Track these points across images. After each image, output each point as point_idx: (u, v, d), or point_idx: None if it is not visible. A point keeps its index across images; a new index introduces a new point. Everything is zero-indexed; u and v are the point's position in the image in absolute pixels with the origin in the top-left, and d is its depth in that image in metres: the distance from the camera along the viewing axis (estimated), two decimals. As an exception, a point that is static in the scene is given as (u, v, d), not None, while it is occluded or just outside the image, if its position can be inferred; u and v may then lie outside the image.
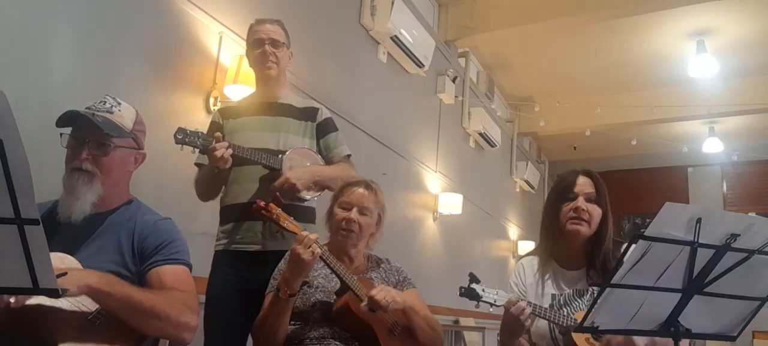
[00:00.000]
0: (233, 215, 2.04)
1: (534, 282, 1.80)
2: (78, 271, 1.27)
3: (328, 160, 2.16)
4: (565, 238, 1.75)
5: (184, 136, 1.86)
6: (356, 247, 1.84)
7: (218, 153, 1.85)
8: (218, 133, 1.92)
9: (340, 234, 1.80)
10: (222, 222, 2.10)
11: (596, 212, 1.72)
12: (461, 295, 1.65)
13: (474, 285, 1.64)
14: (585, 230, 1.72)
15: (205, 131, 1.97)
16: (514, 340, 1.68)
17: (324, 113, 2.21)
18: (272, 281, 1.78)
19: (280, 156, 2.01)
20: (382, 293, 1.64)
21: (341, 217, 1.79)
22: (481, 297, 1.63)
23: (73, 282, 1.18)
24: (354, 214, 1.79)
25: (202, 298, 1.97)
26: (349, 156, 2.20)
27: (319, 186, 2.05)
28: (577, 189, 1.73)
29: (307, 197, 2.03)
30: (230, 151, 1.89)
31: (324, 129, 2.18)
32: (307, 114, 2.17)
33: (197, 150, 1.92)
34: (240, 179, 2.04)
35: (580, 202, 1.71)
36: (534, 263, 1.84)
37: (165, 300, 1.32)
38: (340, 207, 1.82)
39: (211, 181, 2.07)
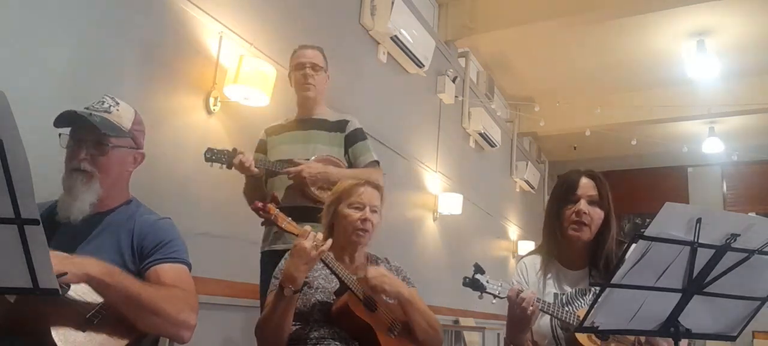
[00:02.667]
0: None
1: (536, 281, 1.80)
2: (79, 258, 1.26)
3: (355, 168, 2.31)
4: (567, 240, 1.75)
5: (211, 155, 2.16)
6: (364, 246, 1.86)
7: (236, 162, 2.14)
8: (236, 148, 2.20)
9: (355, 234, 1.81)
10: (266, 225, 2.26)
11: (598, 214, 1.72)
12: (465, 285, 1.63)
13: (478, 276, 1.63)
14: (586, 235, 1.72)
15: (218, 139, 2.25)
16: (521, 335, 1.65)
17: (353, 124, 2.39)
18: (274, 280, 1.78)
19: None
20: (374, 271, 1.69)
21: (356, 217, 1.80)
22: (485, 288, 1.61)
23: (73, 270, 1.18)
24: (368, 213, 1.81)
25: (202, 298, 1.97)
26: (375, 162, 2.35)
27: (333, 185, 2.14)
28: (579, 192, 1.73)
29: (321, 198, 2.10)
30: (247, 161, 2.15)
31: (352, 139, 2.36)
32: (337, 126, 2.37)
33: (223, 166, 2.17)
34: (274, 188, 2.27)
35: (582, 205, 1.71)
36: (536, 262, 1.84)
37: (164, 296, 1.32)
38: (352, 208, 1.82)
39: (251, 189, 2.32)
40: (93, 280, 1.23)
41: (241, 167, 2.15)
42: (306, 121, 2.38)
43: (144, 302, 1.28)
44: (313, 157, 2.23)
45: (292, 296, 1.61)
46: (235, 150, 2.18)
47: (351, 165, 2.33)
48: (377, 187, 1.90)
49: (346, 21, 3.93)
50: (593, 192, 1.73)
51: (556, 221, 1.76)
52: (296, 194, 2.19)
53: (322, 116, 2.39)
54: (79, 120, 1.44)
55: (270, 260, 2.19)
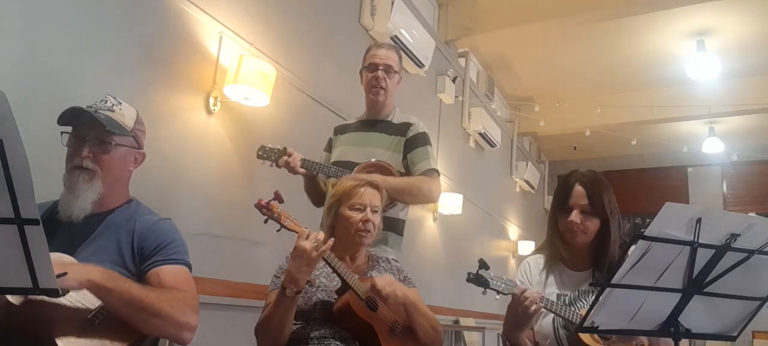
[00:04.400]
0: None
1: (540, 281, 1.80)
2: (80, 265, 1.26)
3: (412, 175, 2.21)
4: (568, 243, 1.75)
5: (263, 152, 2.22)
6: (366, 246, 1.86)
7: (280, 162, 2.18)
8: (287, 147, 2.22)
9: (357, 235, 1.81)
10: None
11: (592, 223, 1.70)
12: (469, 280, 1.62)
13: (482, 271, 1.62)
14: (582, 239, 1.71)
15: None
16: (517, 333, 1.64)
17: (416, 129, 2.28)
18: (274, 279, 1.78)
19: (354, 169, 2.15)
20: (383, 281, 1.66)
21: (358, 218, 1.80)
22: (489, 284, 1.60)
23: (74, 276, 1.18)
24: (369, 214, 1.81)
25: (203, 298, 1.97)
26: (432, 170, 2.22)
27: None
28: (571, 202, 1.71)
29: None
30: (293, 162, 2.16)
31: (411, 144, 2.26)
32: (399, 129, 2.28)
33: (273, 164, 2.21)
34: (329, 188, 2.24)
35: (574, 216, 1.70)
36: (540, 261, 1.84)
37: (166, 299, 1.32)
38: (352, 209, 1.82)
39: (309, 190, 2.33)
40: (95, 285, 1.23)
41: (288, 167, 2.17)
42: (369, 123, 2.33)
43: (146, 305, 1.28)
44: (361, 164, 2.18)
45: (294, 296, 1.61)
46: (284, 149, 2.19)
47: (408, 171, 2.24)
48: (379, 188, 1.89)
49: (346, 21, 3.93)
50: (584, 202, 1.70)
51: (556, 225, 1.77)
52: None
53: (387, 118, 2.32)
54: (83, 117, 1.44)
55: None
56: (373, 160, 2.20)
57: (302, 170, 2.17)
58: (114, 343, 1.27)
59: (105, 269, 1.27)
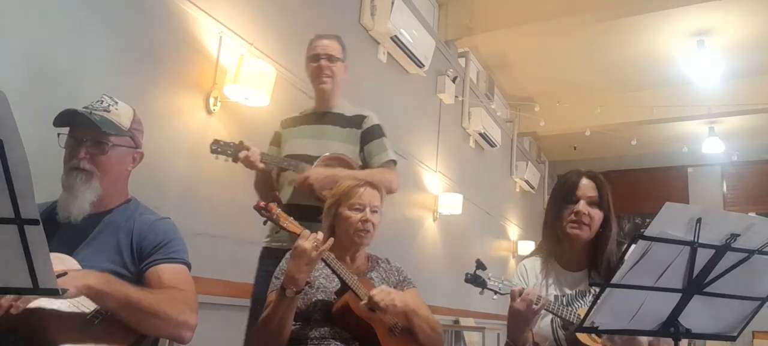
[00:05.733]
0: None
1: (537, 283, 1.79)
2: (77, 271, 1.26)
3: (369, 167, 2.22)
4: (567, 240, 1.75)
5: (217, 147, 2.12)
6: (366, 246, 1.86)
7: (241, 156, 2.10)
8: (243, 141, 2.15)
9: (357, 236, 1.80)
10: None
11: (597, 215, 1.71)
12: (467, 281, 1.62)
13: (480, 272, 1.62)
14: (585, 234, 1.71)
15: (223, 135, 2.20)
16: (522, 335, 1.61)
17: (370, 120, 2.29)
18: (274, 280, 1.78)
19: (313, 162, 2.12)
20: (381, 294, 1.65)
21: (358, 218, 1.80)
22: (487, 284, 1.60)
23: (72, 282, 1.18)
24: (369, 214, 1.81)
25: (202, 298, 1.97)
26: (391, 162, 2.25)
27: None
28: (579, 192, 1.72)
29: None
30: (253, 156, 2.10)
31: (368, 136, 2.26)
32: (353, 122, 2.27)
33: (230, 159, 2.12)
34: (283, 184, 2.22)
35: (582, 206, 1.70)
36: (536, 264, 1.84)
37: (164, 299, 1.32)
38: (352, 209, 1.81)
39: (261, 185, 2.28)
40: (92, 290, 1.23)
41: (247, 162, 2.11)
42: (321, 115, 2.29)
43: (144, 306, 1.28)
44: (321, 157, 2.15)
45: (294, 297, 1.61)
46: (241, 143, 2.12)
47: (365, 163, 2.25)
48: (378, 188, 1.89)
49: (346, 21, 3.93)
50: (593, 193, 1.72)
51: (557, 220, 1.76)
52: (305, 192, 2.13)
53: (339, 110, 2.30)
54: (78, 119, 1.44)
55: (265, 254, 2.19)
56: (331, 153, 2.17)
57: (262, 165, 2.13)
58: (113, 344, 1.27)
59: (101, 273, 1.27)
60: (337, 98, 2.33)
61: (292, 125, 2.33)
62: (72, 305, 1.26)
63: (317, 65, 2.25)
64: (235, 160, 2.12)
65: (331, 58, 2.25)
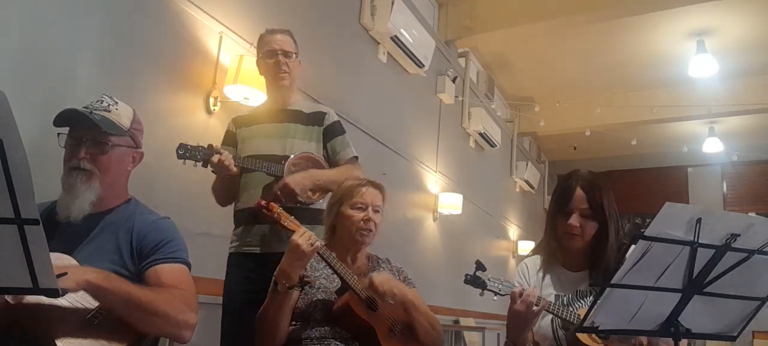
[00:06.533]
0: (243, 219, 2.13)
1: (537, 282, 1.79)
2: (77, 267, 1.26)
3: (334, 164, 2.19)
4: (565, 245, 1.75)
5: (185, 152, 1.96)
6: (367, 246, 1.86)
7: (215, 160, 1.96)
8: (215, 145, 2.01)
9: (359, 235, 1.80)
10: (235, 226, 2.18)
11: (591, 226, 1.70)
12: (466, 282, 1.62)
13: (480, 273, 1.62)
14: (578, 244, 1.71)
15: (206, 136, 2.12)
16: (521, 335, 1.61)
17: (331, 117, 2.25)
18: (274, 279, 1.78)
19: (282, 162, 2.06)
20: (380, 278, 1.67)
21: (360, 217, 1.80)
22: (487, 285, 1.60)
23: (71, 278, 1.18)
24: (371, 213, 1.81)
25: (202, 297, 1.97)
26: (355, 158, 2.23)
27: (321, 189, 2.08)
28: (572, 205, 1.70)
29: (313, 200, 2.07)
30: (227, 160, 1.97)
31: (330, 133, 2.22)
32: (314, 119, 2.22)
33: (199, 163, 1.98)
34: (248, 186, 2.13)
35: (574, 219, 1.69)
36: (537, 263, 1.84)
37: (164, 298, 1.32)
38: (354, 208, 1.81)
39: (223, 187, 2.18)
40: (91, 286, 1.23)
41: (221, 167, 1.97)
42: (280, 113, 2.21)
43: (143, 304, 1.28)
44: (291, 157, 2.08)
45: (287, 292, 1.62)
46: (211, 147, 1.99)
47: (329, 160, 2.20)
48: (380, 188, 1.89)
49: (346, 21, 3.93)
50: (584, 205, 1.69)
51: (555, 225, 1.76)
52: (274, 192, 2.04)
53: (298, 107, 2.23)
54: (79, 118, 1.44)
55: (233, 261, 2.14)
56: (300, 153, 2.12)
57: (235, 170, 2.02)
58: (113, 343, 1.27)
59: (101, 269, 1.27)
60: (294, 95, 2.29)
61: (248, 124, 2.24)
62: (72, 302, 1.26)
63: (274, 61, 2.17)
64: (205, 165, 1.99)
65: (286, 53, 2.19)
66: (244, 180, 2.14)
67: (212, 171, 2.04)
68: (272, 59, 2.18)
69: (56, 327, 1.22)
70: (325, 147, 2.22)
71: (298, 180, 2.00)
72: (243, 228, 2.12)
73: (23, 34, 1.95)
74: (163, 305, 1.31)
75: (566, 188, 1.74)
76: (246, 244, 2.10)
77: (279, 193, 1.97)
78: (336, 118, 2.27)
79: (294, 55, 2.22)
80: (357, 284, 1.70)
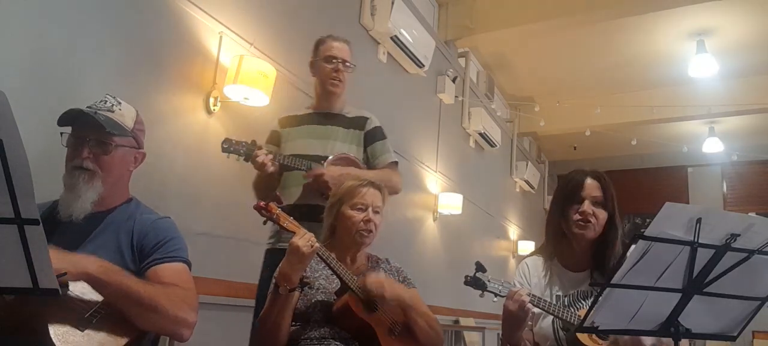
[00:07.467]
0: None
1: (539, 282, 1.79)
2: (77, 256, 1.26)
3: (373, 168, 2.26)
4: (573, 239, 1.74)
5: (229, 146, 2.07)
6: (367, 247, 1.86)
7: (259, 159, 2.05)
8: (256, 140, 2.11)
9: (358, 235, 1.80)
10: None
11: (602, 215, 1.71)
12: (466, 283, 1.63)
13: (480, 274, 1.62)
14: (591, 233, 1.71)
15: (229, 135, 2.15)
16: (515, 334, 1.63)
17: (373, 122, 2.33)
18: (274, 279, 1.78)
19: (322, 163, 2.13)
20: (371, 279, 1.68)
21: (360, 218, 1.80)
22: (487, 286, 1.61)
23: (71, 268, 1.18)
24: (371, 214, 1.81)
25: (202, 297, 1.97)
26: (394, 163, 2.30)
27: None
28: (584, 192, 1.71)
29: None
30: (270, 157, 2.07)
31: (371, 137, 2.31)
32: (356, 123, 2.31)
33: (241, 158, 2.08)
34: (288, 184, 2.22)
35: (587, 206, 1.70)
36: (538, 263, 1.84)
37: (163, 294, 1.32)
38: (354, 209, 1.81)
39: (263, 184, 2.25)
40: (91, 277, 1.23)
41: (260, 164, 2.07)
42: (325, 116, 2.30)
43: (143, 299, 1.28)
44: (331, 156, 2.16)
45: (288, 294, 1.62)
46: (254, 143, 2.09)
47: (369, 164, 2.27)
48: (381, 188, 1.89)
49: (346, 21, 3.93)
50: (598, 193, 1.71)
51: (562, 219, 1.75)
52: (314, 192, 2.12)
53: (341, 112, 2.32)
54: (83, 118, 1.44)
55: (271, 258, 2.17)
56: (344, 154, 2.19)
57: (272, 169, 2.09)
58: (112, 338, 1.27)
59: (102, 260, 1.27)
60: (341, 101, 2.36)
61: (293, 125, 2.32)
62: (71, 300, 1.26)
63: (333, 67, 2.27)
64: (247, 159, 2.08)
65: (345, 63, 2.29)
66: (285, 178, 2.22)
67: (255, 167, 2.12)
68: (331, 65, 2.27)
69: (54, 320, 1.22)
70: (365, 151, 2.29)
71: (334, 174, 2.06)
72: None
73: (24, 34, 1.95)
74: (161, 300, 1.30)
75: (576, 179, 1.75)
76: (282, 240, 2.15)
77: (313, 181, 2.04)
78: (377, 123, 2.35)
79: (350, 67, 2.32)
80: (356, 284, 1.70)
